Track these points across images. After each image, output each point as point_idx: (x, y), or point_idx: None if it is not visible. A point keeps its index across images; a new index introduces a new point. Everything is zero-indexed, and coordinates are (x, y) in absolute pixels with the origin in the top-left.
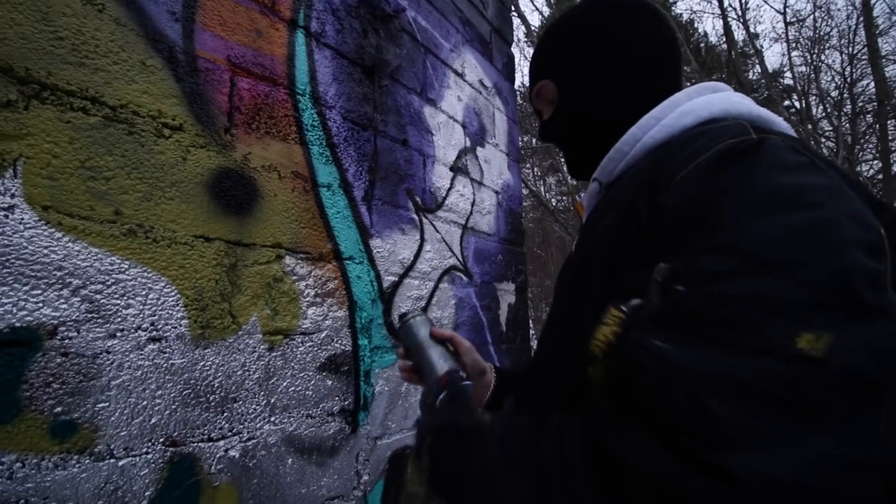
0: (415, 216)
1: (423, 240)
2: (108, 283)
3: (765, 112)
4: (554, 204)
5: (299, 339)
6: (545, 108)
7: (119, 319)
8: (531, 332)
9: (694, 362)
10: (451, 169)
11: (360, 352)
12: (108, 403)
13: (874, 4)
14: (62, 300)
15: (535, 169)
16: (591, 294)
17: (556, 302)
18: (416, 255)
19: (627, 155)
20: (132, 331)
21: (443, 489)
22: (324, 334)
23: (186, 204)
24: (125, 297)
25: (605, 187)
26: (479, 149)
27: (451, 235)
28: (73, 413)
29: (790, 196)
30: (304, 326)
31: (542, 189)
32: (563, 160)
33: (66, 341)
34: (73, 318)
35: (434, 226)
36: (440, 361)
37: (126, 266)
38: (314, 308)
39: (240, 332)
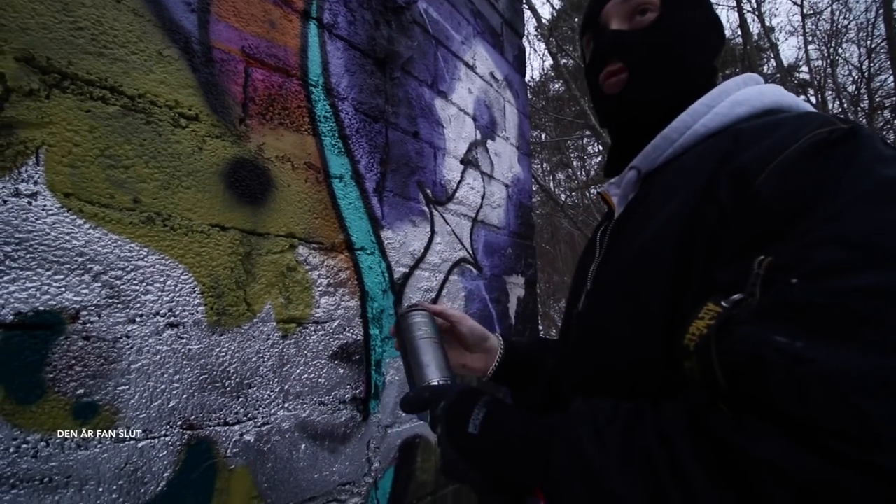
0: (425, 208)
1: (433, 232)
2: (128, 269)
3: (807, 105)
4: (563, 199)
5: (312, 328)
6: (628, 15)
7: (138, 305)
8: (540, 326)
9: (832, 359)
10: (462, 161)
11: (371, 341)
12: (128, 386)
13: None
14: (84, 285)
15: (545, 164)
16: (658, 286)
17: (604, 290)
18: (427, 247)
19: (675, 143)
20: (151, 316)
21: (482, 453)
22: (336, 323)
23: (203, 193)
24: (144, 284)
25: (643, 176)
26: (489, 142)
27: (461, 228)
28: (95, 395)
29: (891, 192)
30: (316, 315)
31: (552, 184)
32: (573, 155)
33: (88, 325)
34: (95, 302)
35: (444, 218)
36: (432, 362)
37: (145, 253)
38: (327, 297)
39: (254, 320)
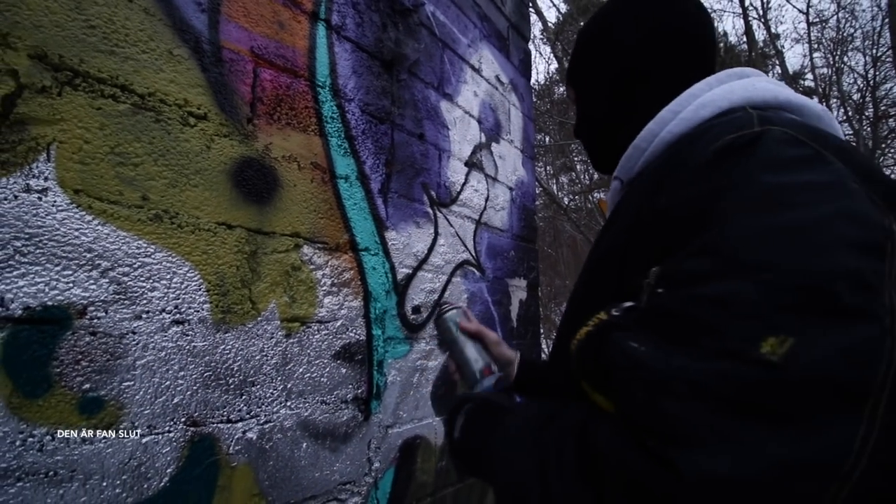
0: (429, 210)
1: (437, 233)
2: (135, 266)
3: (795, 97)
4: (566, 203)
5: (315, 327)
6: (575, 109)
7: (145, 301)
8: (541, 329)
9: (658, 362)
10: (466, 164)
11: (373, 342)
12: (133, 382)
13: None
14: (91, 281)
15: (548, 168)
16: (606, 291)
17: (571, 298)
18: (430, 249)
19: (646, 151)
20: (157, 313)
21: (462, 453)
22: (339, 323)
23: (210, 191)
24: (151, 280)
25: (626, 185)
26: (494, 145)
27: (465, 230)
28: (101, 390)
29: (778, 196)
30: (320, 315)
31: (555, 188)
32: (576, 158)
33: (95, 321)
34: (102, 298)
35: (448, 220)
36: (478, 355)
37: (152, 250)
38: (330, 297)
39: (259, 318)
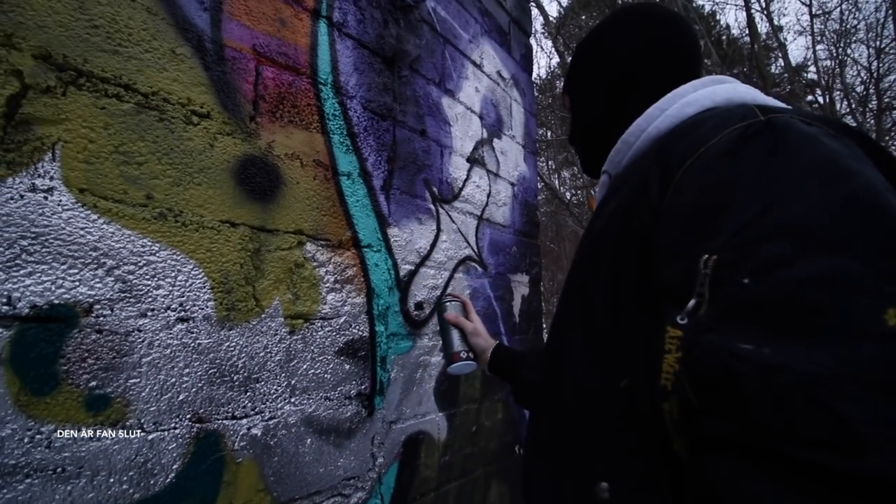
0: (432, 206)
1: (439, 230)
2: (140, 264)
3: (771, 101)
4: (569, 197)
5: (319, 324)
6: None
7: (150, 299)
8: (543, 324)
9: (802, 363)
10: (468, 160)
11: (376, 338)
12: (139, 379)
13: None
14: (97, 280)
15: (550, 162)
16: (599, 280)
17: (565, 292)
18: (433, 245)
19: (633, 146)
20: (162, 311)
21: None
22: (342, 320)
23: (213, 189)
24: (156, 279)
25: (614, 179)
26: (495, 140)
27: (467, 226)
28: (107, 388)
29: (821, 167)
30: (323, 311)
31: (557, 183)
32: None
33: (101, 319)
34: (108, 297)
35: (450, 216)
36: (455, 343)
37: (157, 248)
38: (333, 294)
39: (263, 315)
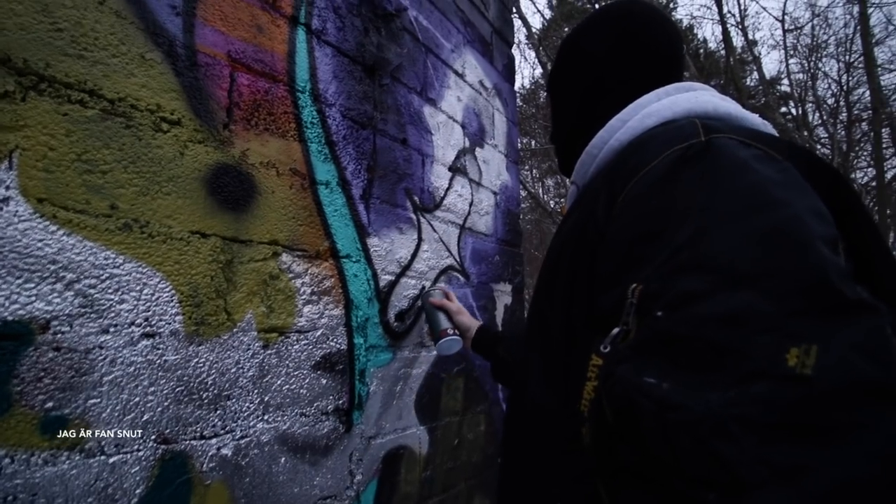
0: (413, 215)
1: (420, 239)
2: (103, 277)
3: (734, 108)
4: (552, 206)
5: (294, 337)
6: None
7: (113, 314)
8: None
9: (692, 400)
10: (450, 169)
11: (355, 351)
12: (99, 399)
13: (871, 13)
14: (55, 294)
15: (534, 171)
16: (555, 302)
17: (534, 297)
18: (414, 255)
19: (597, 158)
20: (126, 326)
21: None
22: (319, 332)
23: (183, 199)
24: (119, 293)
25: (581, 189)
26: (478, 149)
27: (449, 235)
28: (65, 409)
29: (748, 198)
30: (299, 324)
31: (541, 191)
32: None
33: (59, 336)
34: (67, 312)
35: (432, 225)
36: (442, 321)
37: (121, 261)
38: (310, 306)
39: (235, 330)
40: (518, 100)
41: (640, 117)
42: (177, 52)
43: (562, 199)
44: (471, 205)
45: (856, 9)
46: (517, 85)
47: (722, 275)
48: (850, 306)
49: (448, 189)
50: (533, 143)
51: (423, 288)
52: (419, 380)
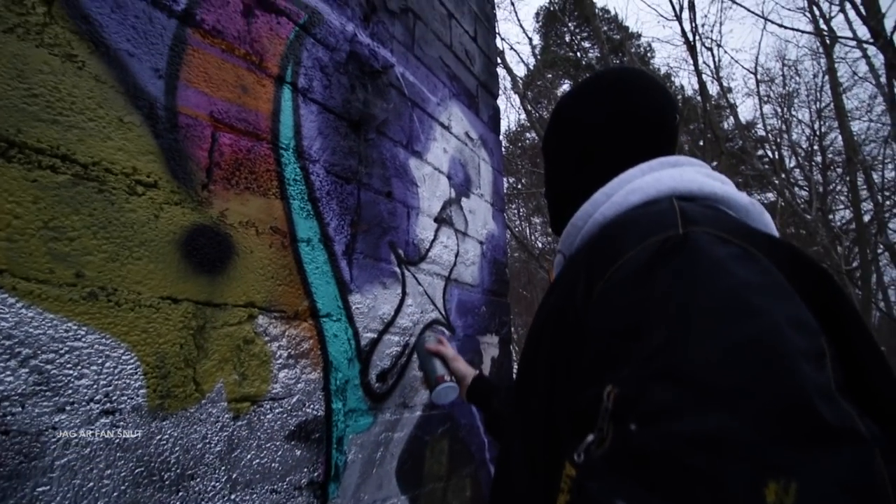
0: (397, 269)
1: (404, 293)
2: (62, 351)
3: (719, 187)
4: (539, 246)
5: (268, 406)
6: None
7: (70, 391)
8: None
9: None
10: (436, 220)
11: (333, 416)
12: (49, 487)
13: (837, 66)
14: (8, 372)
15: (521, 210)
16: (538, 375)
17: (518, 375)
18: (397, 310)
19: (582, 230)
20: (83, 403)
21: None
22: (295, 399)
23: (155, 263)
24: (79, 367)
25: (567, 259)
26: (463, 199)
27: (434, 288)
28: (9, 500)
29: (724, 304)
30: (274, 391)
31: (528, 230)
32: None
33: (9, 417)
34: (19, 391)
35: (416, 278)
36: (438, 368)
37: (83, 332)
38: (286, 371)
39: (203, 401)
40: (504, 140)
41: (625, 193)
42: (157, 115)
43: (549, 238)
44: (456, 255)
45: (823, 61)
46: (503, 127)
47: (696, 390)
48: (833, 434)
49: (433, 241)
50: (521, 182)
51: (408, 345)
52: (401, 444)
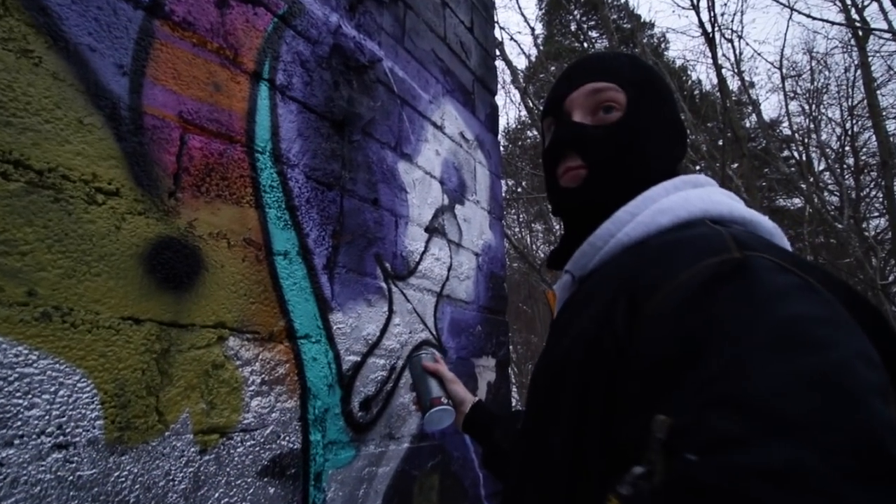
0: (383, 284)
1: (391, 311)
2: (11, 378)
3: (748, 212)
4: (542, 256)
5: (238, 438)
6: (592, 109)
7: (19, 423)
8: (516, 398)
9: None
10: (427, 230)
11: (311, 449)
12: None
13: (871, 61)
14: None
15: (521, 215)
16: (559, 423)
17: (531, 406)
18: (383, 330)
19: (601, 251)
20: (34, 437)
21: None
22: (269, 430)
23: (115, 280)
24: (29, 395)
25: (577, 281)
26: (458, 207)
27: (424, 305)
28: None
29: (792, 333)
30: (245, 422)
31: (529, 238)
32: (549, 204)
33: None
34: None
35: (405, 294)
36: (433, 389)
37: (34, 357)
38: (259, 399)
39: (166, 433)
40: (503, 139)
41: (652, 213)
42: (120, 115)
43: (551, 247)
44: (449, 269)
45: (855, 54)
46: (502, 124)
47: (763, 419)
48: None
49: (424, 253)
50: (523, 183)
51: (394, 368)
52: (386, 480)
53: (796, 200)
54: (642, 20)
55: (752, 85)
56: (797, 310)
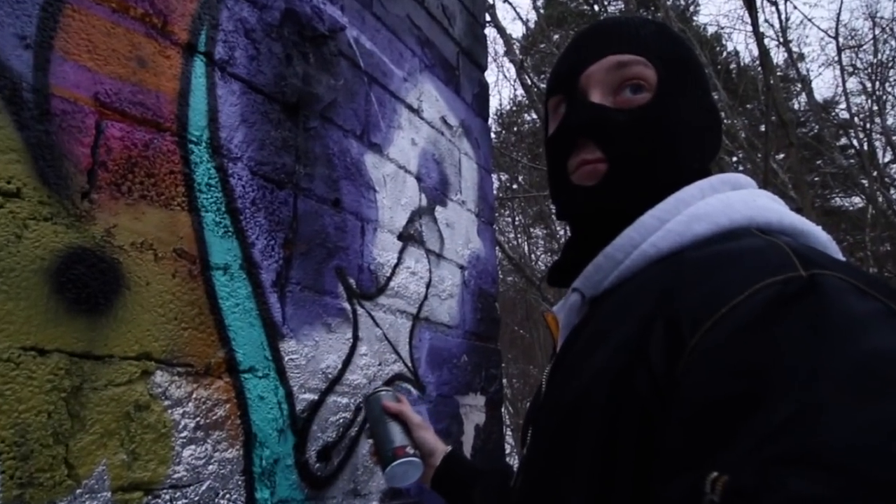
0: (346, 305)
1: (356, 338)
2: None
3: (799, 221)
4: (543, 268)
5: (167, 496)
6: (615, 88)
7: None
8: (509, 448)
9: None
10: (400, 237)
11: None
12: None
13: None
14: None
15: (517, 217)
16: (579, 463)
17: (532, 459)
18: (347, 362)
19: (621, 264)
20: None
21: None
22: (204, 486)
23: (14, 302)
24: None
25: (588, 302)
26: (438, 208)
27: (397, 330)
28: None
29: (874, 371)
30: (175, 476)
31: (526, 245)
32: (551, 205)
33: None
34: None
35: (373, 317)
36: (396, 436)
37: None
38: (193, 447)
39: (78, 490)
40: (495, 125)
41: (687, 220)
42: (22, 98)
43: (553, 256)
44: (428, 286)
45: None
46: (493, 106)
47: (852, 477)
48: None
49: (397, 265)
50: (519, 179)
51: (360, 409)
52: None
53: (856, 199)
54: None
55: (801, 58)
56: (879, 344)
